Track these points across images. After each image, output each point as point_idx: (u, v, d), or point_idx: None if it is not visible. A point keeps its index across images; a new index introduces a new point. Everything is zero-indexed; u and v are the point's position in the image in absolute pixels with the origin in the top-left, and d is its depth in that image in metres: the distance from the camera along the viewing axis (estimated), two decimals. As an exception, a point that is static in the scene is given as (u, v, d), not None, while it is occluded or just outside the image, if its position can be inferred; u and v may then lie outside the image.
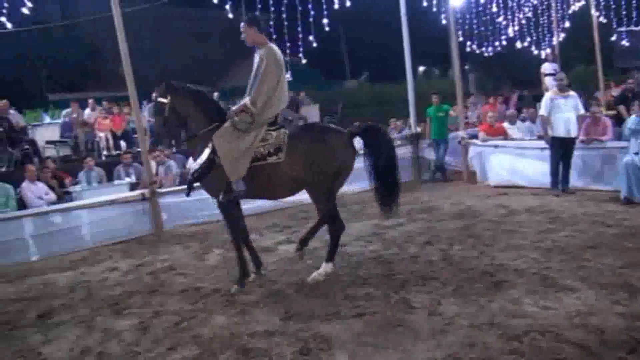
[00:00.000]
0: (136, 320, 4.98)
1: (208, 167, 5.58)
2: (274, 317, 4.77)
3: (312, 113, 16.01)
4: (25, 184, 9.14)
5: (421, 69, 33.29)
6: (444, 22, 13.82)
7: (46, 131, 13.86)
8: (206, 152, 5.56)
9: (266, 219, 9.21)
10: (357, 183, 11.36)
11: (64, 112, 14.48)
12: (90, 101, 14.60)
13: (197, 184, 5.83)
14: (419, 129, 12.68)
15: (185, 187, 5.98)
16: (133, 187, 9.94)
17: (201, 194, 9.35)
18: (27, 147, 12.05)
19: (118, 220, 8.50)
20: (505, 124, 11.87)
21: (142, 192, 8.73)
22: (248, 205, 9.62)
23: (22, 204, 9.02)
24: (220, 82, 26.75)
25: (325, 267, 5.84)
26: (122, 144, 13.47)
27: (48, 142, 13.31)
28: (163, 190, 9.03)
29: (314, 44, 12.26)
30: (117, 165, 10.98)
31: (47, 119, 15.76)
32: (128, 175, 10.61)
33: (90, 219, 8.38)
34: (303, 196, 10.31)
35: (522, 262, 5.73)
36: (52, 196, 9.27)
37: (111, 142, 13.15)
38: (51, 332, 4.97)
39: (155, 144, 6.12)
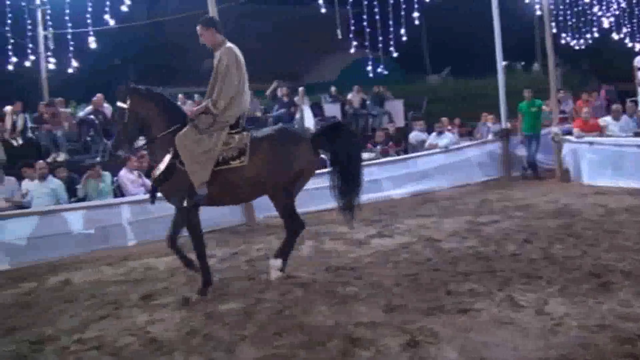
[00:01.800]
0: (239, 306, 5.02)
1: (169, 172, 5.43)
2: (376, 309, 4.70)
3: (396, 108, 15.84)
4: (122, 172, 9.44)
5: (503, 63, 32.43)
6: (538, 12, 13.35)
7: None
8: (167, 157, 5.44)
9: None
10: (447, 179, 11.28)
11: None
12: (180, 95, 15.01)
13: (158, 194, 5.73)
14: (508, 125, 12.35)
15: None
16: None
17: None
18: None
19: (211, 210, 8.56)
20: (608, 119, 11.38)
21: (236, 183, 8.80)
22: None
23: (119, 192, 9.33)
24: (305, 77, 26.99)
25: (275, 263, 5.71)
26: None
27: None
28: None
29: (404, 38, 12.09)
30: None
31: None
32: None
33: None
34: (391, 191, 10.47)
35: (627, 264, 5.43)
36: (149, 184, 9.46)
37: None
38: (156, 312, 5.09)
39: (115, 149, 5.84)
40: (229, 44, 5.56)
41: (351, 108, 15.21)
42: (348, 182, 5.71)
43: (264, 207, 9.00)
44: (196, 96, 15.22)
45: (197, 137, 5.33)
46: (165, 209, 8.40)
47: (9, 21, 13.38)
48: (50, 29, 14.39)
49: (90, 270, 6.97)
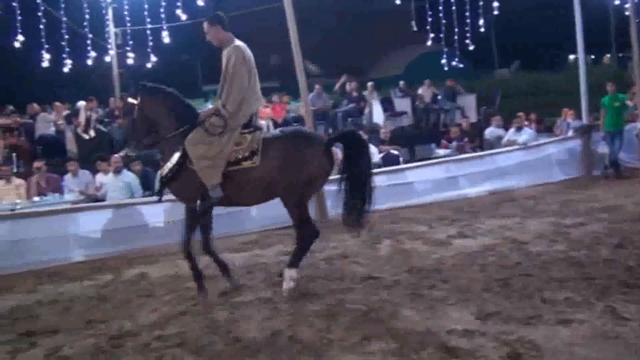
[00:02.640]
0: (322, 307, 4.81)
1: (178, 171, 5.31)
2: (468, 316, 4.41)
3: (468, 102, 15.35)
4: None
5: (571, 57, 31.18)
6: (616, 1, 12.65)
7: (211, 117, 14.27)
8: (176, 156, 5.31)
9: (431, 211, 8.86)
10: (526, 177, 10.81)
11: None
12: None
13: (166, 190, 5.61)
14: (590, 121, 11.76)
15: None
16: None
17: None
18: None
19: (281, 205, 8.49)
20: None
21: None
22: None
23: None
24: (370, 72, 26.75)
25: (290, 273, 5.36)
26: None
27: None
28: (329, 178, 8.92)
29: (482, 29, 11.66)
30: None
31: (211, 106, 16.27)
32: None
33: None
34: (468, 189, 10.10)
35: None
36: None
37: (272, 129, 13.33)
38: (237, 310, 4.95)
39: (122, 147, 5.76)
40: (237, 43, 5.39)
41: (422, 103, 14.82)
42: (357, 192, 5.50)
43: (337, 204, 8.90)
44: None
45: (207, 140, 5.22)
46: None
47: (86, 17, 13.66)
48: (119, 26, 14.63)
49: (166, 264, 6.94)
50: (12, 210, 8.04)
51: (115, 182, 8.84)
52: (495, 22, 28.10)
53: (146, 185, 9.25)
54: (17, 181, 9.39)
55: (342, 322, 4.43)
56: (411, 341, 3.97)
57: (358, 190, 5.47)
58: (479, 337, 4.01)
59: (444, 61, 13.21)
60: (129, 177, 8.99)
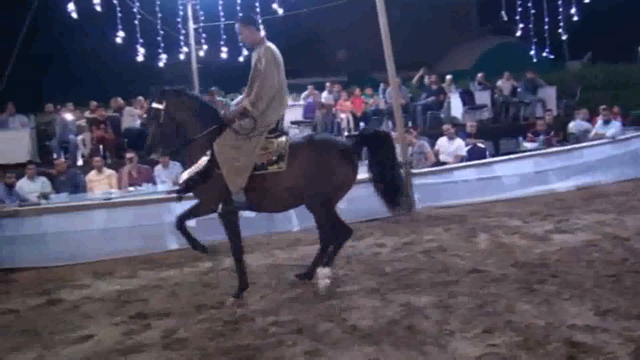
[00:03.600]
0: (433, 299, 4.80)
1: (205, 175, 5.25)
2: (586, 312, 4.30)
3: (549, 95, 14.98)
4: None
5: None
6: None
7: (289, 112, 14.50)
8: (204, 159, 5.26)
9: (521, 205, 8.69)
10: (613, 172, 10.45)
11: (303, 94, 15.18)
12: (327, 84, 15.12)
13: (188, 194, 5.56)
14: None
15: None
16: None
17: (452, 176, 9.26)
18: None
19: (371, 198, 8.51)
20: None
21: (398, 172, 8.65)
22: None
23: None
24: (440, 65, 26.40)
25: (324, 272, 5.42)
26: (362, 125, 13.73)
27: (292, 123, 13.94)
28: (417, 170, 8.91)
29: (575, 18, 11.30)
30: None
31: (290, 101, 16.54)
32: None
33: (348, 195, 8.47)
34: (556, 184, 9.84)
35: None
36: None
37: (352, 123, 13.43)
38: (346, 299, 4.99)
39: (148, 152, 5.72)
40: (267, 43, 5.39)
41: (501, 96, 14.55)
42: (390, 194, 5.63)
43: (425, 198, 8.87)
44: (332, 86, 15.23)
45: (236, 142, 5.20)
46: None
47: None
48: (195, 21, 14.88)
49: (261, 254, 7.05)
50: (108, 199, 8.32)
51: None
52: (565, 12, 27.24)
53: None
54: (108, 171, 9.74)
55: (458, 314, 4.41)
56: (534, 335, 3.91)
57: (392, 193, 5.61)
58: (601, 333, 3.91)
59: (532, 52, 12.92)
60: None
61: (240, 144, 5.19)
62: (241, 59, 13.92)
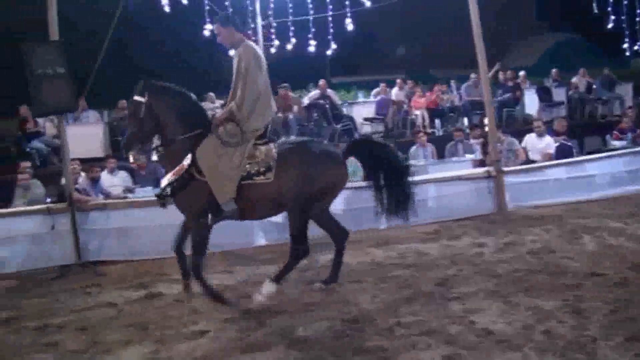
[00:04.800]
0: (560, 303, 4.61)
1: (185, 181, 4.96)
2: None
3: (626, 92, 14.52)
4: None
5: None
6: None
7: (362, 109, 14.49)
8: (184, 163, 4.95)
9: (615, 206, 8.32)
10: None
11: (374, 91, 15.08)
12: (398, 81, 14.98)
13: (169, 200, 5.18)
14: None
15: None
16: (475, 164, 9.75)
17: (543, 175, 8.97)
18: (347, 123, 12.69)
19: (460, 196, 8.37)
20: None
21: (488, 170, 8.44)
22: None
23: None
24: (499, 61, 25.87)
25: (269, 287, 5.17)
26: (437, 122, 13.55)
27: (365, 119, 13.85)
28: (509, 168, 8.68)
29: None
30: (449, 142, 10.98)
31: (361, 97, 16.58)
32: (471, 151, 10.48)
33: (435, 193, 8.35)
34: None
35: None
36: None
37: (427, 120, 13.23)
38: (466, 301, 4.85)
39: (126, 150, 5.44)
40: (247, 42, 5.16)
41: (576, 93, 14.12)
42: (397, 197, 5.36)
43: (516, 197, 8.62)
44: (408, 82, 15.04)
45: (221, 150, 4.93)
46: (417, 194, 8.33)
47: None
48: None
49: (357, 252, 6.92)
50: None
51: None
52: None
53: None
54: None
55: (593, 320, 4.22)
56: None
57: (399, 195, 5.35)
58: None
59: (625, 45, 12.48)
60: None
61: (226, 151, 4.94)
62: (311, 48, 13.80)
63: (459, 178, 8.43)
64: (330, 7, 13.08)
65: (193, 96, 5.32)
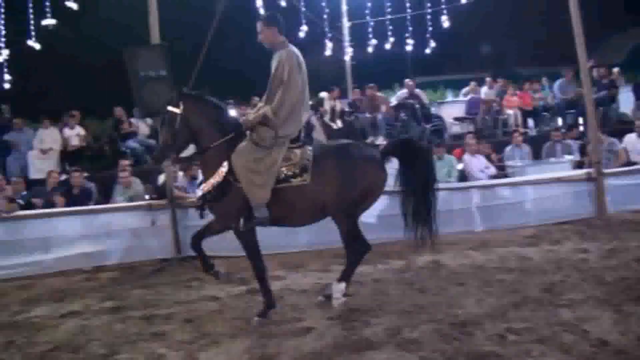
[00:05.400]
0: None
1: (223, 189, 4.94)
2: None
3: None
4: (466, 157, 9.43)
5: None
6: None
7: (451, 108, 14.32)
8: (221, 171, 4.93)
9: None
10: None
11: (463, 90, 14.92)
12: (488, 79, 14.71)
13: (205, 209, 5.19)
14: None
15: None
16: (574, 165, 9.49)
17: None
18: (437, 123, 12.63)
19: (559, 199, 8.16)
20: None
21: (588, 172, 8.18)
22: None
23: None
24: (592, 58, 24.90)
25: (339, 287, 5.18)
26: (530, 121, 13.27)
27: (455, 119, 13.70)
28: (610, 170, 8.38)
29: None
30: (546, 143, 10.72)
31: (450, 97, 16.47)
32: (570, 152, 10.18)
33: (533, 196, 8.18)
34: None
35: None
36: (492, 170, 9.37)
37: (520, 119, 12.91)
38: (576, 309, 4.71)
39: (160, 158, 5.40)
40: (290, 47, 5.06)
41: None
42: (423, 207, 5.21)
43: (617, 200, 8.31)
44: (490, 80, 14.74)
45: (256, 154, 4.89)
46: (515, 196, 8.21)
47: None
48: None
49: (456, 253, 6.89)
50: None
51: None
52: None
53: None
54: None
55: None
56: None
57: (425, 206, 5.21)
58: None
59: None
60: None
61: (261, 155, 4.91)
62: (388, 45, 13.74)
63: (559, 180, 8.19)
64: (408, 5, 13.10)
65: (223, 104, 5.43)
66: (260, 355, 4.30)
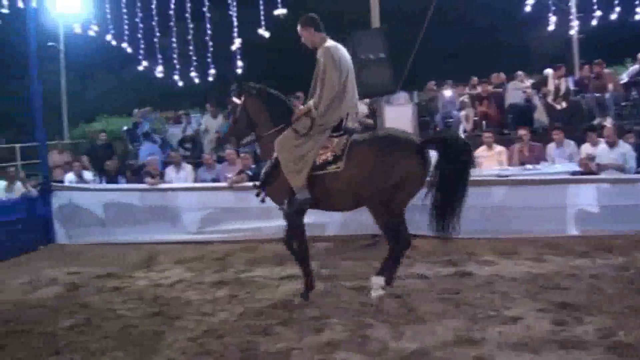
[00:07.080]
0: None
1: (273, 172, 5.37)
2: None
3: None
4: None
5: None
6: None
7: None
8: (273, 157, 5.38)
9: None
10: None
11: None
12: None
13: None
14: None
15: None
16: None
17: None
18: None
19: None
20: None
21: None
22: None
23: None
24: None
25: (377, 281, 5.25)
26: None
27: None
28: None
29: None
30: None
31: None
32: None
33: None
34: None
35: None
36: None
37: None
38: None
39: (220, 144, 5.61)
40: (327, 44, 5.27)
41: None
42: (451, 201, 5.09)
43: None
44: None
45: (295, 141, 5.24)
46: None
47: None
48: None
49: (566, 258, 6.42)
50: (505, 177, 8.19)
51: (609, 154, 8.29)
52: None
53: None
54: (498, 148, 9.65)
55: None
56: None
57: (453, 200, 5.10)
58: None
59: None
60: (625, 148, 8.34)
61: (301, 142, 5.25)
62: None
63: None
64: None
65: (283, 97, 5.77)
66: (465, 339, 4.36)
